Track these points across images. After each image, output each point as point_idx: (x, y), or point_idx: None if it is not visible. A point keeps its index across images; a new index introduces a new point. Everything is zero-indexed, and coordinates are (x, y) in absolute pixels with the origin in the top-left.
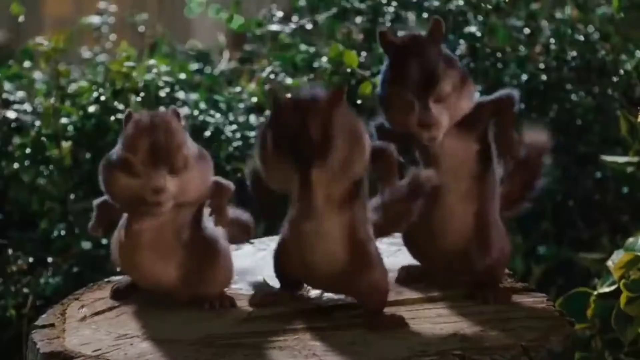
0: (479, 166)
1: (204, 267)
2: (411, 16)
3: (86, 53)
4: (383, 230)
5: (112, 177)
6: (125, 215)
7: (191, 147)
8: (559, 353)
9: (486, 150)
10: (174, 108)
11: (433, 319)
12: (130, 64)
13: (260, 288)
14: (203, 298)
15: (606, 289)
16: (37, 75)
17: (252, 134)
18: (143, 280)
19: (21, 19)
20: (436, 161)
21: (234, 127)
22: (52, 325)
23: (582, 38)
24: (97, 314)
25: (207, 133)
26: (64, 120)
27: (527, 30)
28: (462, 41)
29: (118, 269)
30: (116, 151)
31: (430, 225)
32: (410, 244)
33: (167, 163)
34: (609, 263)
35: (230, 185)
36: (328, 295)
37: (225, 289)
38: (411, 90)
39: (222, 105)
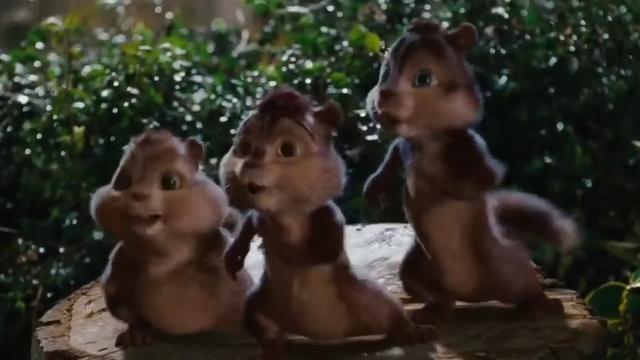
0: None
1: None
2: None
3: (103, 35)
4: None
5: (105, 197)
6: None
7: (198, 176)
8: (590, 355)
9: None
10: (193, 139)
11: (456, 319)
12: (146, 47)
13: None
14: None
15: (639, 284)
16: (52, 57)
17: None
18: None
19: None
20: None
21: (252, 112)
22: (58, 322)
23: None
24: (104, 310)
25: (224, 118)
26: (76, 104)
27: (557, 12)
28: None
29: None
30: None
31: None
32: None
33: (157, 172)
34: None
35: None
36: None
37: None
38: (393, 59)
39: (240, 90)
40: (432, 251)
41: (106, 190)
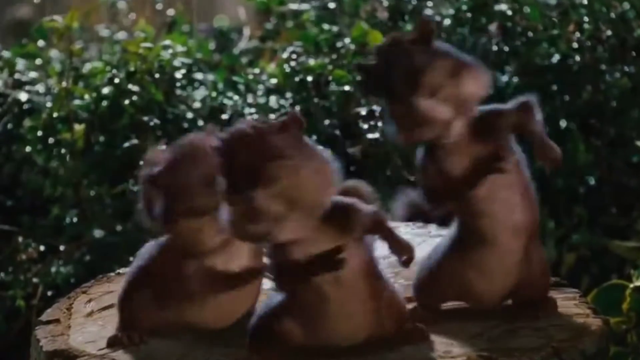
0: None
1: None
2: None
3: (104, 31)
4: None
5: None
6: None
7: None
8: (593, 354)
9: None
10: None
11: (458, 318)
12: (147, 44)
13: None
14: None
15: None
16: (53, 55)
17: (272, 116)
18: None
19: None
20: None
21: (253, 109)
22: (57, 320)
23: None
24: (104, 308)
25: (225, 116)
26: (77, 102)
27: (560, 9)
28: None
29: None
30: None
31: (482, 269)
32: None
33: None
34: None
35: None
36: None
37: None
38: (396, 94)
39: (241, 87)
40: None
41: None
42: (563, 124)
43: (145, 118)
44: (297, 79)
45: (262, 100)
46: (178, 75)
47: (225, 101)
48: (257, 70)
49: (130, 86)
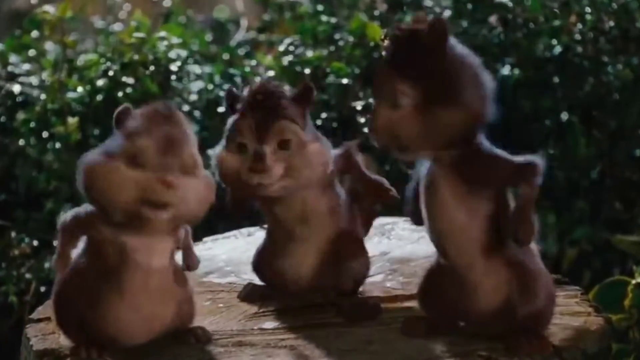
0: (490, 237)
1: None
2: None
3: (99, 23)
4: None
5: (111, 170)
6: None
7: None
8: (594, 353)
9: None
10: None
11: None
12: (140, 35)
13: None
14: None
15: None
16: (48, 47)
17: None
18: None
19: None
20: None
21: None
22: (48, 319)
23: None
24: None
25: (222, 109)
26: (71, 94)
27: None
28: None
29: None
30: (112, 144)
31: (459, 301)
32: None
33: (179, 157)
34: None
35: None
36: None
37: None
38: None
39: (238, 79)
40: None
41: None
42: (564, 116)
43: None
44: (294, 70)
45: None
46: (173, 67)
47: (222, 94)
48: (254, 62)
49: (124, 78)
